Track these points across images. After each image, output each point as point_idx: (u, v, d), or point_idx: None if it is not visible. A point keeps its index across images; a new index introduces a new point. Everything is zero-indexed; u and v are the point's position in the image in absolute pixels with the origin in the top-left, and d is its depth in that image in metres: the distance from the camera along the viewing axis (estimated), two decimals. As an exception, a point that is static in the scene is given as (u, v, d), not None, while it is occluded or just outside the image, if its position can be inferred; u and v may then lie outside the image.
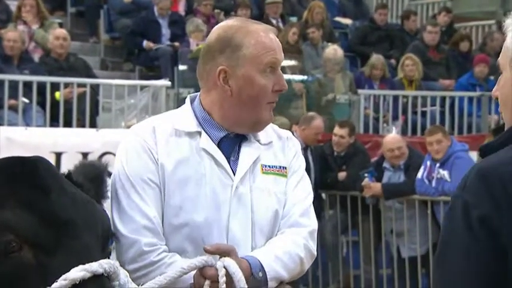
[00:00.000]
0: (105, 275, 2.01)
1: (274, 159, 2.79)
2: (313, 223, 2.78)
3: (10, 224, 1.96)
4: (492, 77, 11.68)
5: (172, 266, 2.57)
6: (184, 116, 2.75)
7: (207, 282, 2.49)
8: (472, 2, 14.72)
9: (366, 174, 8.25)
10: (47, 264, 1.97)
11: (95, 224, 2.09)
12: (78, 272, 1.95)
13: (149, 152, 2.66)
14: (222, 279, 2.46)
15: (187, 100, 2.81)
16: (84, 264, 1.96)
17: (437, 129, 8.24)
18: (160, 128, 2.71)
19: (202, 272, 2.51)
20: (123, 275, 2.09)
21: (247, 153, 2.74)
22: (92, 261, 1.98)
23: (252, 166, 2.72)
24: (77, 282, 1.94)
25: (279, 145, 2.83)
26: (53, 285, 1.93)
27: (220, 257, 2.52)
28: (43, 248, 1.97)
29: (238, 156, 2.73)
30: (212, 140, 2.71)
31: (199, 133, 2.71)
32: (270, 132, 2.84)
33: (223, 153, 2.71)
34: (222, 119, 2.72)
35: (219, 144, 2.72)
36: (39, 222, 1.98)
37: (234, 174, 2.69)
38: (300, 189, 2.80)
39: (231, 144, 2.74)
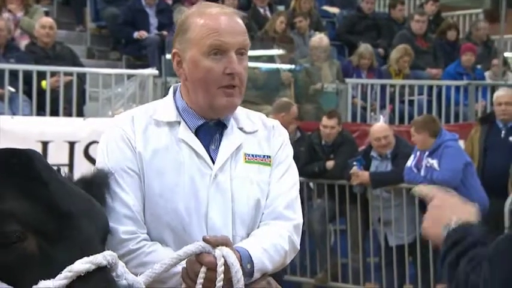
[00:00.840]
0: (108, 266, 2.00)
1: (259, 148, 2.77)
2: (298, 217, 2.77)
3: (15, 213, 1.94)
4: (479, 66, 11.72)
5: (153, 255, 2.56)
6: (165, 106, 2.76)
7: (203, 269, 2.46)
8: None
9: (354, 163, 8.26)
10: (51, 255, 1.95)
11: (94, 216, 2.07)
12: (83, 264, 1.93)
13: (127, 141, 2.67)
14: (221, 269, 2.45)
15: (171, 90, 2.81)
16: (87, 256, 1.95)
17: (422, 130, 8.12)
18: (139, 118, 2.72)
19: (198, 258, 2.49)
20: (121, 266, 2.08)
21: (228, 142, 2.72)
22: (94, 253, 1.97)
23: (234, 155, 2.71)
24: (82, 274, 1.93)
25: (264, 134, 2.80)
26: (58, 277, 1.92)
27: (215, 246, 2.51)
28: (47, 238, 1.95)
29: (220, 144, 2.72)
30: (190, 129, 2.71)
31: (179, 123, 2.71)
32: (257, 121, 2.82)
33: (202, 142, 2.70)
34: (191, 104, 2.72)
35: (197, 133, 2.71)
36: (43, 212, 1.96)
37: (214, 163, 2.68)
38: (285, 181, 2.77)
39: (210, 133, 2.73)
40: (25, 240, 1.94)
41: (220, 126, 2.74)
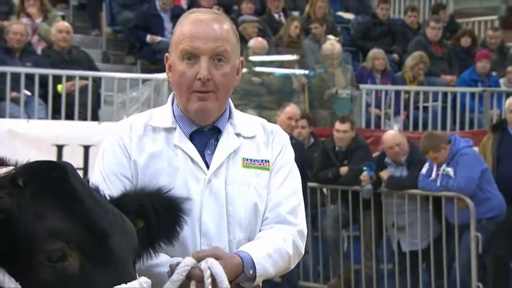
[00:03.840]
0: None
1: (257, 152, 2.77)
2: (301, 223, 2.77)
3: (59, 231, 1.94)
4: (494, 73, 11.68)
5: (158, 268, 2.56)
6: (163, 113, 2.79)
7: (193, 282, 2.49)
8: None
9: (364, 168, 8.25)
10: (90, 277, 1.95)
11: (127, 235, 2.08)
12: None
13: (124, 147, 2.72)
14: (208, 280, 2.47)
15: (170, 97, 2.84)
16: (123, 280, 1.96)
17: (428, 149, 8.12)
18: (137, 125, 2.76)
19: (187, 273, 2.50)
20: None
21: (223, 146, 2.73)
22: (129, 277, 1.98)
23: (230, 159, 2.72)
24: None
25: (263, 139, 2.81)
26: None
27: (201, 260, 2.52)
28: (89, 258, 1.96)
29: (215, 149, 2.74)
30: (185, 135, 2.73)
31: (175, 129, 2.74)
32: (256, 125, 2.83)
33: (197, 147, 2.72)
34: (184, 110, 2.74)
35: (192, 138, 2.73)
36: (83, 232, 1.97)
37: (208, 168, 2.70)
38: (286, 187, 2.77)
39: (204, 138, 2.75)
40: (66, 260, 1.94)
41: (215, 132, 2.76)
